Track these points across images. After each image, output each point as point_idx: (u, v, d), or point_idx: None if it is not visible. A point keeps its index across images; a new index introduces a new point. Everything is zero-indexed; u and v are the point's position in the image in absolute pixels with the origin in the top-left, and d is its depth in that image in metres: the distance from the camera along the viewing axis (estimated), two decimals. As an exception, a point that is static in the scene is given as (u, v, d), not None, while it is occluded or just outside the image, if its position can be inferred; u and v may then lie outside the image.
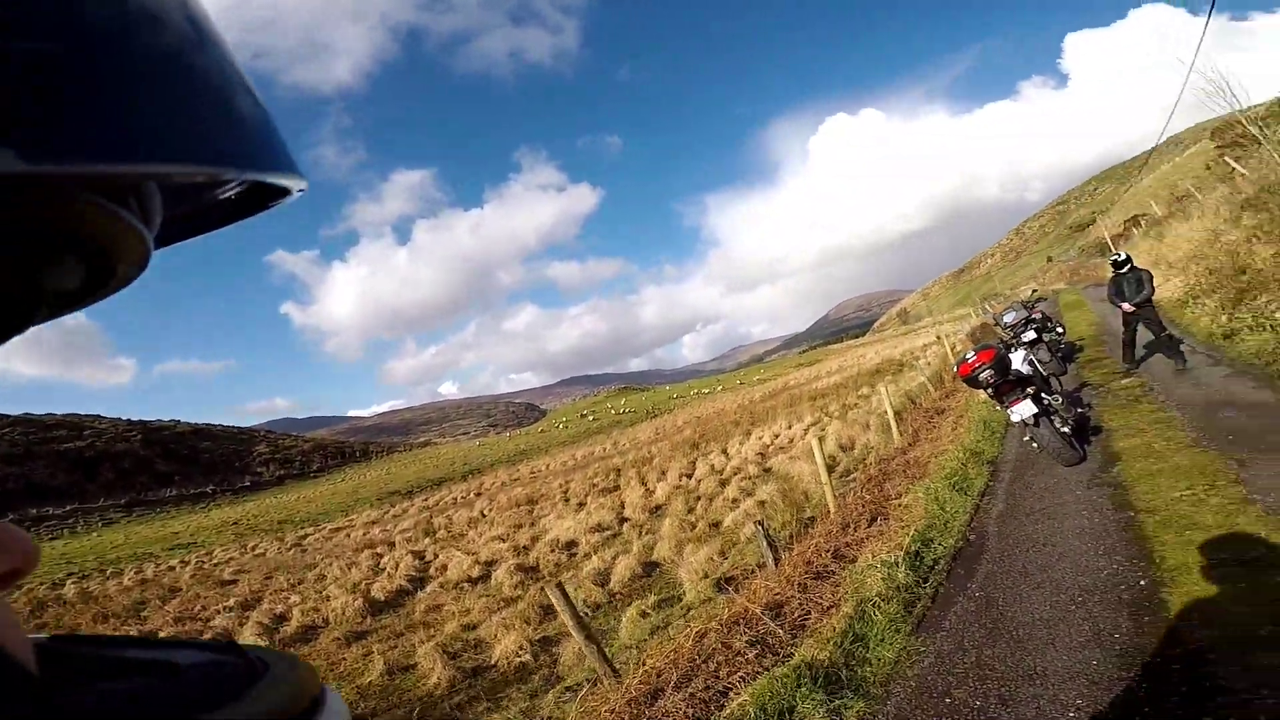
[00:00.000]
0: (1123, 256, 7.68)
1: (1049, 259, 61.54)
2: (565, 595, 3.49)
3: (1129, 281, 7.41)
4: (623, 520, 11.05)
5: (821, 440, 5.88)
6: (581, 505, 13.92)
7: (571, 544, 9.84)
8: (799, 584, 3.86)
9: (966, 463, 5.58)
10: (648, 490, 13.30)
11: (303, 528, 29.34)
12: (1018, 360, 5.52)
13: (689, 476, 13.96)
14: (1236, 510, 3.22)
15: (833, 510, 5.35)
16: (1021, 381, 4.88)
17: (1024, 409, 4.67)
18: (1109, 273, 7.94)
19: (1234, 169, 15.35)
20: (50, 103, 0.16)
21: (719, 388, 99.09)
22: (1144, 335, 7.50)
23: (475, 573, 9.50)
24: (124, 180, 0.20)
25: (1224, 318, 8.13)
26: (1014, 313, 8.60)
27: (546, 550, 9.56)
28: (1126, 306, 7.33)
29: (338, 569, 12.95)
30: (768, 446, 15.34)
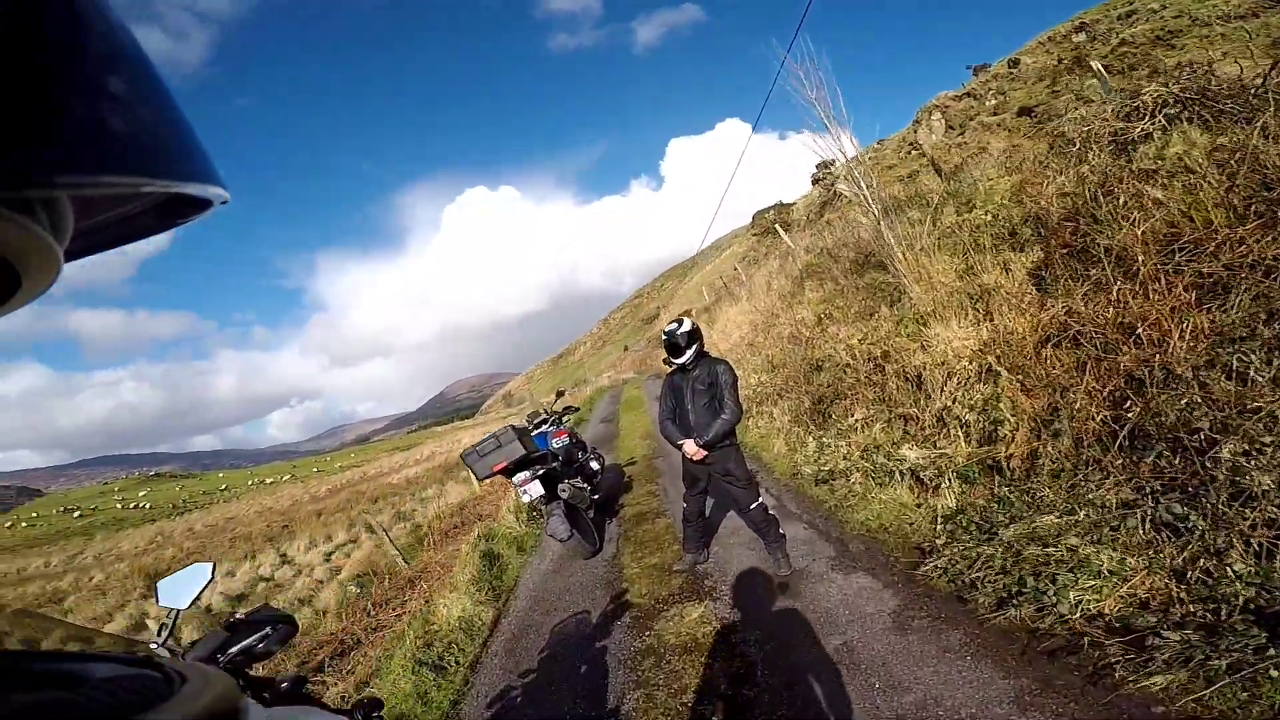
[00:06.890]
0: (685, 325, 3.61)
1: (625, 348, 62.81)
2: None
3: (697, 385, 3.56)
4: None
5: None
6: None
7: None
8: None
9: None
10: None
11: None
12: None
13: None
14: None
15: None
16: None
17: None
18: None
19: (784, 240, 13.32)
20: None
21: (287, 476, 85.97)
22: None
23: None
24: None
25: (811, 442, 5.42)
26: (514, 441, 4.52)
27: None
28: (690, 449, 3.53)
29: None
30: (257, 583, 12.15)
